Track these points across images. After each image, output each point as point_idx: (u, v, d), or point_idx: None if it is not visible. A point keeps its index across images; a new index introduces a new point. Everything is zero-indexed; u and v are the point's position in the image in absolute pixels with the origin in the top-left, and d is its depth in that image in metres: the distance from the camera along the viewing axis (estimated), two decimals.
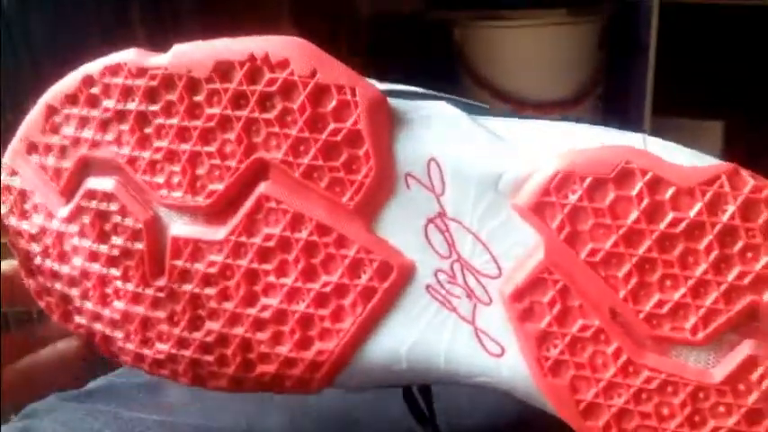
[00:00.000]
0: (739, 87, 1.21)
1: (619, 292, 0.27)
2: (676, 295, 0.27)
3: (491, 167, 0.29)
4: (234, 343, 0.31)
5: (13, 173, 0.34)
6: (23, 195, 0.34)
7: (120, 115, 0.31)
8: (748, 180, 0.26)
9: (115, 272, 0.32)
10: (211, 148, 0.30)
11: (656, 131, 0.30)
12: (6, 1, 0.76)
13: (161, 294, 0.32)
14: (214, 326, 0.31)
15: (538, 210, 0.28)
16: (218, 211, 0.31)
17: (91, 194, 0.32)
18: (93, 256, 0.33)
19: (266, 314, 0.31)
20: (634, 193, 0.27)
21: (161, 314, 0.32)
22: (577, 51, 1.19)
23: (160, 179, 0.31)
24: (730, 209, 0.26)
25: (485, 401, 0.40)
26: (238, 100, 0.30)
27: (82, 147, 0.32)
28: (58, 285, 0.34)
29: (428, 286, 0.30)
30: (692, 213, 0.26)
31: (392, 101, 0.30)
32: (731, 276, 0.26)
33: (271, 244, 0.30)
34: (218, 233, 0.31)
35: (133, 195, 0.32)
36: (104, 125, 0.32)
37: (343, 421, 0.42)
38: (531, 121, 0.31)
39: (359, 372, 0.31)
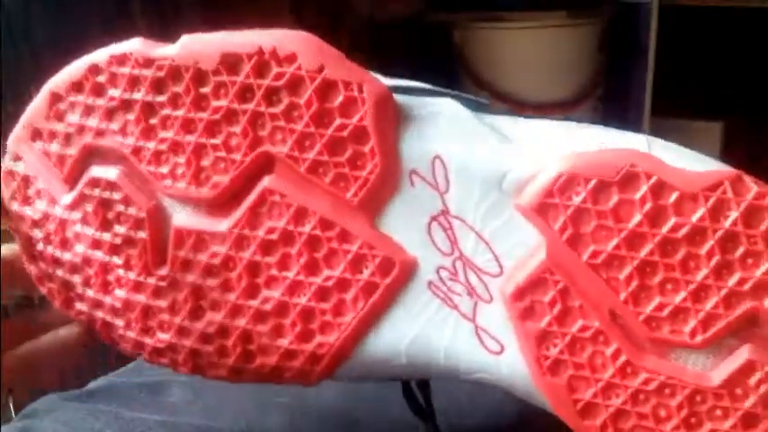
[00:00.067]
0: (738, 89, 1.21)
1: (619, 294, 0.28)
2: (677, 299, 0.27)
3: (496, 167, 0.29)
4: (234, 334, 0.31)
5: (17, 158, 0.34)
6: (27, 181, 0.34)
7: (126, 105, 0.31)
8: (751, 186, 0.26)
9: (117, 260, 0.32)
10: (217, 141, 0.30)
11: (656, 133, 0.30)
12: None
13: (163, 284, 0.32)
14: (215, 316, 0.31)
15: (541, 210, 0.28)
16: (221, 203, 0.31)
17: (94, 182, 0.32)
18: (96, 244, 0.33)
19: (268, 306, 0.31)
20: (638, 196, 0.27)
21: (162, 303, 0.32)
22: (577, 53, 1.19)
23: (164, 170, 0.31)
24: (733, 215, 0.26)
25: (485, 401, 0.40)
26: (245, 93, 0.30)
27: (86, 135, 0.32)
28: (59, 272, 0.34)
29: (430, 283, 0.30)
30: (695, 218, 0.27)
31: (398, 97, 0.30)
32: (732, 282, 0.27)
33: (274, 237, 0.30)
34: (222, 225, 0.31)
35: (137, 185, 0.32)
36: (110, 114, 0.32)
37: (343, 421, 0.42)
38: (536, 120, 0.31)
39: (359, 365, 0.31)
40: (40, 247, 0.34)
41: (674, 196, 0.27)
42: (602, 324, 0.28)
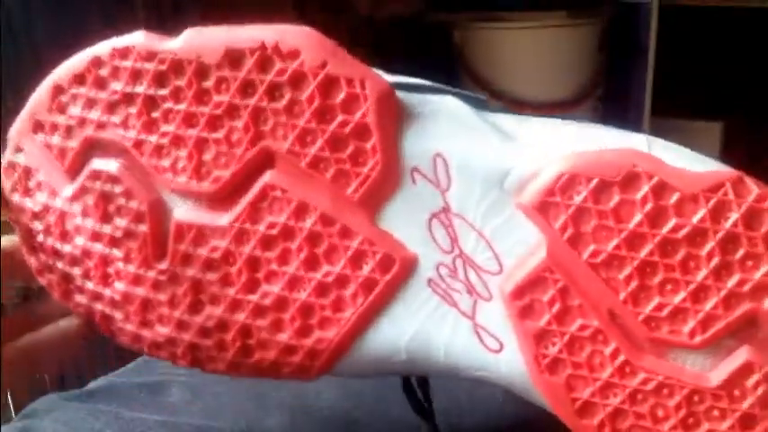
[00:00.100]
0: (738, 89, 1.22)
1: (619, 294, 0.28)
2: (676, 299, 0.27)
3: (497, 165, 0.29)
4: (234, 328, 0.31)
5: (18, 149, 0.34)
6: (28, 172, 0.34)
7: (128, 98, 0.31)
8: (752, 188, 0.26)
9: (117, 253, 0.32)
10: (218, 135, 0.30)
11: (656, 133, 0.30)
12: None
13: (162, 277, 0.32)
14: (215, 311, 0.31)
15: (542, 209, 0.28)
16: (222, 198, 0.31)
17: (95, 175, 0.32)
18: (96, 237, 0.33)
19: (267, 301, 0.31)
20: (639, 196, 0.27)
21: (162, 297, 0.32)
22: (577, 53, 1.19)
23: (166, 163, 0.31)
24: (733, 216, 0.26)
25: (485, 401, 0.40)
26: (247, 88, 0.30)
27: (88, 127, 0.32)
28: (59, 264, 0.34)
29: (429, 280, 0.30)
30: (695, 220, 0.27)
31: (400, 94, 0.30)
32: (731, 283, 0.27)
33: (274, 232, 0.30)
34: (222, 219, 0.31)
35: (138, 178, 0.32)
36: (111, 107, 0.32)
37: (343, 421, 0.42)
38: (538, 119, 0.31)
39: (358, 361, 0.31)
40: (40, 238, 0.34)
41: (674, 197, 0.27)
42: (601, 323, 0.28)
